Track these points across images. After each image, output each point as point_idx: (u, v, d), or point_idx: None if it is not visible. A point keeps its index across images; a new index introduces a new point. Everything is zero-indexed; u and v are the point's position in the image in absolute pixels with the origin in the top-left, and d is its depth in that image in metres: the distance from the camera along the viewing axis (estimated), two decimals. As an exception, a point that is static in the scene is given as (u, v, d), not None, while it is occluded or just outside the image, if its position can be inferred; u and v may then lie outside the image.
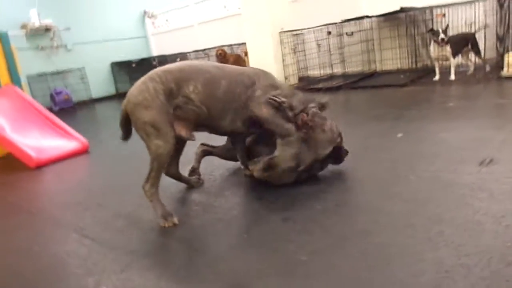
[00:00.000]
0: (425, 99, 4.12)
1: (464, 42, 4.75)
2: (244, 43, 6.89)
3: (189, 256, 1.67)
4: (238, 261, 1.57)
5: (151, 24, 10.22)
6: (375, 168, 2.28)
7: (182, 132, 2.05)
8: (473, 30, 4.87)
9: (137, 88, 2.00)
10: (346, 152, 2.32)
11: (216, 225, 1.91)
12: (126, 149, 3.87)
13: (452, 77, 4.72)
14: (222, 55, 7.22)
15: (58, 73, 8.58)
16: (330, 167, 2.34)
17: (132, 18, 10.05)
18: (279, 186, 2.20)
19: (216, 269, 1.53)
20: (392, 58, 5.99)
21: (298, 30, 6.27)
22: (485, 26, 4.82)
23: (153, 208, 2.01)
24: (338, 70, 6.33)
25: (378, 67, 6.34)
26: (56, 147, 3.94)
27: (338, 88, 5.45)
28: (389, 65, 6.14)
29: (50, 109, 5.27)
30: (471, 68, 4.91)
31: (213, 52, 7.59)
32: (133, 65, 9.23)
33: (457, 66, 4.84)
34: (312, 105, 2.24)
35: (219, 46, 7.48)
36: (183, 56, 8.22)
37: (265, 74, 2.26)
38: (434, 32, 4.75)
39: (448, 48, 4.69)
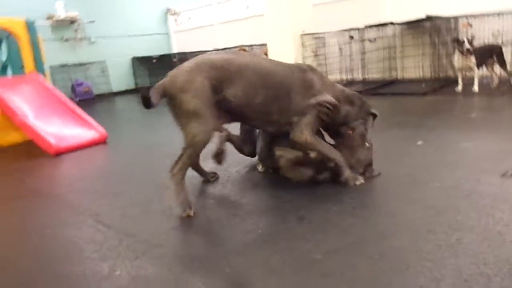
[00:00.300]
0: (447, 109, 4.06)
1: (489, 53, 4.66)
2: (264, 44, 6.89)
3: (203, 248, 1.67)
4: (252, 257, 1.56)
5: (173, 21, 10.31)
6: (395, 173, 2.24)
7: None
8: (499, 42, 4.78)
9: (185, 76, 1.97)
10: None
11: (231, 220, 1.91)
12: (143, 142, 3.94)
13: (476, 88, 4.63)
14: (243, 54, 7.22)
15: (80, 65, 8.71)
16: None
17: (155, 15, 10.15)
18: (295, 186, 2.19)
19: (231, 263, 1.52)
20: (414, 66, 5.92)
21: (320, 33, 6.24)
22: None
23: (175, 193, 1.99)
24: (358, 75, 6.28)
25: (399, 74, 6.27)
26: (75, 136, 3.99)
27: (357, 94, 5.39)
28: (411, 73, 6.06)
29: (71, 100, 5.36)
30: (496, 80, 4.81)
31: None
32: (154, 60, 9.31)
33: (481, 78, 4.75)
34: (359, 122, 2.24)
35: (239, 46, 7.48)
36: (202, 54, 8.25)
37: (305, 88, 2.15)
38: (458, 42, 4.67)
39: (472, 59, 4.60)
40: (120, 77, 9.46)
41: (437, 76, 5.39)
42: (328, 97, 2.14)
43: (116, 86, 9.25)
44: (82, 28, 8.77)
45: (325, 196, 2.04)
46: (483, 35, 5.04)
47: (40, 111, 4.16)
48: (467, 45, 4.52)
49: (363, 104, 2.28)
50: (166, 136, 3.84)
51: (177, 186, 1.99)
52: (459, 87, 4.79)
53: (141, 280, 1.46)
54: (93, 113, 4.95)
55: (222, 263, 1.52)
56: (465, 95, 4.60)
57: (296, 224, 1.79)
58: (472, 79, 4.70)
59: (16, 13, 4.85)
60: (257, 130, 2.51)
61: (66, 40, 8.62)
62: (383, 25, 5.79)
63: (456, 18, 5.37)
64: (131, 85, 9.73)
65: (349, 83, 6.17)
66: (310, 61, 6.17)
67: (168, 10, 10.23)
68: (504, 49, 4.67)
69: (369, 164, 2.23)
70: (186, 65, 2.04)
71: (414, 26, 5.78)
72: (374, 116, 2.31)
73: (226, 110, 2.06)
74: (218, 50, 8.24)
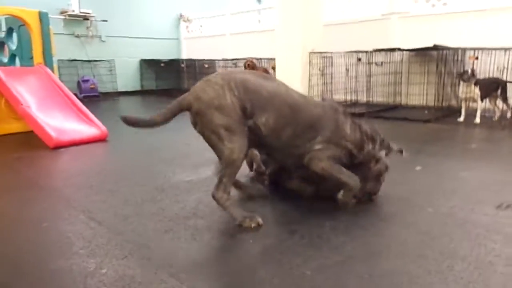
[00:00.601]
0: (448, 137, 4.08)
1: (494, 87, 4.70)
2: (272, 58, 6.94)
3: (192, 254, 1.66)
4: (241, 267, 1.55)
5: (185, 28, 10.42)
6: (391, 196, 2.24)
7: None
8: (504, 76, 4.81)
9: (213, 91, 1.88)
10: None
11: (223, 228, 1.91)
12: (143, 144, 3.94)
13: (477, 120, 4.66)
14: (251, 67, 7.26)
15: (88, 61, 8.77)
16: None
17: (167, 20, 10.26)
18: (290, 198, 2.19)
19: (218, 271, 1.52)
20: (418, 93, 5.96)
21: (328, 52, 6.29)
22: None
23: (230, 214, 1.93)
24: (362, 97, 6.31)
25: (403, 100, 6.30)
26: (76, 131, 4.00)
27: (360, 115, 5.42)
28: (415, 100, 6.10)
29: (76, 96, 5.38)
30: (497, 114, 4.84)
31: (241, 63, 7.67)
32: (162, 64, 9.39)
33: (483, 110, 4.78)
34: (383, 152, 2.21)
35: (248, 58, 7.54)
36: (211, 63, 8.33)
37: (337, 127, 2.08)
38: (462, 74, 4.74)
39: (477, 90, 4.65)
40: (127, 77, 9.52)
41: (441, 105, 5.42)
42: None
43: (122, 86, 9.30)
44: (94, 25, 8.86)
45: (319, 211, 2.03)
46: (488, 68, 5.08)
47: (44, 103, 4.18)
48: (469, 72, 4.60)
49: (382, 141, 2.22)
50: (167, 141, 3.86)
51: (228, 207, 1.93)
52: (461, 118, 4.83)
53: (127, 280, 1.45)
54: (97, 111, 4.97)
55: (209, 271, 1.51)
56: (466, 125, 4.63)
57: (288, 238, 1.78)
58: (475, 111, 4.73)
59: (29, 6, 4.89)
60: None
61: (77, 36, 8.70)
62: (391, 50, 5.85)
63: (463, 50, 5.42)
64: (137, 87, 9.79)
65: (353, 104, 6.20)
66: (316, 79, 6.22)
67: (181, 16, 10.34)
68: (508, 84, 4.72)
69: (372, 193, 2.21)
70: (215, 80, 1.93)
71: (421, 54, 5.83)
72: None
73: (255, 137, 1.97)
74: (227, 60, 8.34)
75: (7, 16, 5.09)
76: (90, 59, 8.79)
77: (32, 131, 3.93)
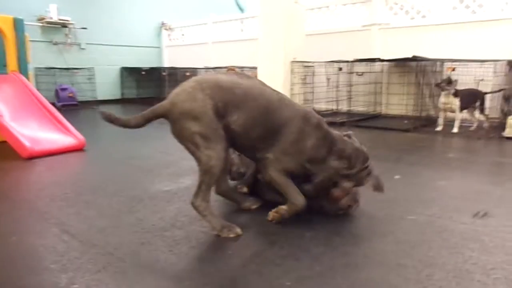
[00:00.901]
0: (426, 147, 4.13)
1: (473, 98, 4.80)
2: (255, 67, 6.96)
3: (168, 265, 1.61)
4: (220, 278, 1.52)
5: (166, 36, 10.37)
6: (370, 205, 2.24)
7: None
8: (480, 88, 4.92)
9: (186, 94, 1.87)
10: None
11: (201, 239, 1.86)
12: (121, 153, 3.87)
13: (455, 130, 4.75)
14: (232, 75, 7.25)
15: (67, 69, 8.62)
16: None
17: (149, 28, 10.20)
18: (269, 209, 2.15)
19: (196, 283, 1.47)
20: (398, 103, 6.05)
21: (310, 62, 6.34)
22: (500, 90, 4.87)
23: (208, 222, 1.90)
24: (343, 107, 6.37)
25: (384, 110, 6.39)
26: (52, 140, 3.90)
27: (341, 124, 5.47)
28: (394, 110, 6.19)
29: (53, 104, 5.25)
30: (475, 125, 4.94)
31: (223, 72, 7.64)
32: (143, 72, 9.30)
33: (461, 121, 4.87)
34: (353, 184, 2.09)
35: (229, 66, 7.53)
36: (193, 71, 8.29)
37: (302, 137, 1.98)
38: (440, 83, 4.84)
39: (457, 101, 4.74)
40: (106, 85, 9.40)
41: (420, 114, 5.50)
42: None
43: (102, 95, 9.16)
44: (73, 33, 8.72)
45: (299, 221, 2.01)
46: (465, 80, 5.19)
47: (18, 112, 4.07)
48: (446, 81, 4.71)
49: (363, 168, 2.11)
50: (146, 150, 3.80)
51: (206, 215, 1.89)
52: (439, 127, 4.92)
53: (100, 294, 1.40)
54: (74, 120, 4.87)
55: (186, 284, 1.47)
56: (444, 135, 4.70)
57: (267, 248, 1.76)
58: (452, 120, 4.82)
59: (6, 12, 4.79)
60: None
61: (55, 43, 8.54)
62: (371, 60, 5.93)
63: (441, 61, 5.54)
64: (117, 95, 9.67)
65: (334, 113, 6.25)
66: (298, 88, 6.25)
67: (162, 25, 10.30)
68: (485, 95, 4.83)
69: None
70: (188, 84, 1.92)
71: (400, 64, 5.94)
72: (377, 189, 2.11)
73: (226, 135, 1.94)
74: (209, 68, 8.32)
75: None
76: (69, 67, 8.64)
77: (5, 141, 3.81)
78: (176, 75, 8.73)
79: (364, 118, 5.94)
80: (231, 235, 1.86)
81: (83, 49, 8.98)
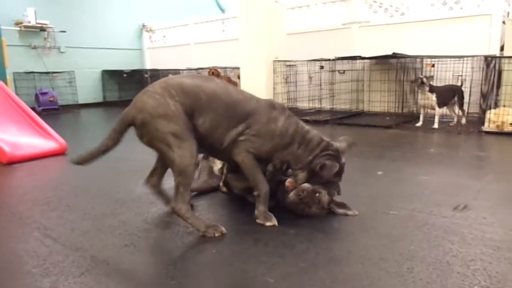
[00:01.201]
0: (408, 143, 4.19)
1: (451, 94, 4.89)
2: (237, 68, 6.97)
3: (153, 268, 1.61)
4: (204, 278, 1.52)
5: (148, 38, 10.29)
6: (353, 201, 2.25)
7: None
8: (459, 83, 5.02)
9: (155, 100, 1.85)
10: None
11: (185, 239, 1.86)
12: (105, 155, 3.82)
13: (436, 125, 4.83)
14: (216, 74, 7.25)
15: (46, 73, 8.48)
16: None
17: (129, 30, 10.10)
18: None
19: (181, 283, 1.47)
20: (379, 100, 6.13)
21: (292, 61, 6.38)
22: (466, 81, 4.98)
23: (191, 225, 1.89)
24: (326, 105, 6.42)
25: (366, 107, 6.46)
26: (32, 145, 3.84)
27: (325, 122, 5.51)
28: (376, 107, 6.27)
29: (33, 109, 5.17)
30: (455, 120, 5.04)
31: (206, 72, 7.64)
32: (124, 75, 9.22)
33: (440, 116, 4.97)
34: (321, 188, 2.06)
35: (212, 67, 7.53)
36: (175, 72, 8.24)
37: (268, 122, 2.02)
38: (414, 81, 4.93)
39: (433, 98, 4.83)
40: (88, 89, 9.28)
41: (401, 111, 5.59)
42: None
43: (83, 98, 9.05)
44: (52, 36, 8.60)
45: (283, 218, 2.02)
46: (445, 76, 5.29)
47: (-3, 117, 3.99)
48: (422, 78, 4.80)
49: (321, 151, 2.05)
50: (129, 152, 3.74)
51: (188, 217, 1.88)
52: (420, 123, 5.01)
53: (84, 298, 1.39)
54: (56, 124, 4.81)
55: (170, 284, 1.47)
56: (425, 130, 4.79)
57: (252, 246, 1.76)
58: (433, 116, 4.91)
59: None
60: None
61: (34, 47, 8.40)
62: (352, 58, 5.99)
63: (421, 58, 5.63)
64: (99, 98, 9.56)
65: (317, 111, 6.30)
66: (280, 87, 6.28)
67: (143, 27, 10.22)
68: (464, 90, 4.92)
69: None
70: (154, 89, 1.90)
71: (381, 62, 6.01)
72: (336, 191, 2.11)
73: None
74: (191, 69, 8.30)
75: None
76: (49, 70, 8.51)
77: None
78: (159, 77, 8.64)
79: (347, 116, 6.00)
80: (217, 234, 1.86)
81: (62, 52, 8.85)
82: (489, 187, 2.58)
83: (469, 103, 4.95)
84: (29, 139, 3.95)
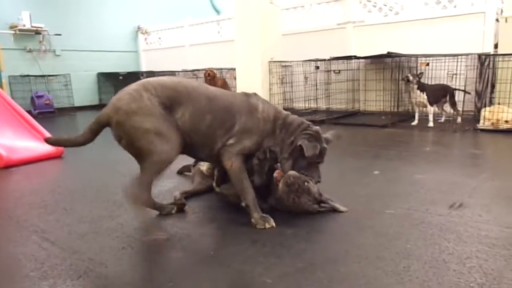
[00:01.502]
0: (403, 142, 4.21)
1: (442, 93, 4.93)
2: (233, 69, 6.97)
3: (150, 270, 1.62)
4: (201, 279, 1.52)
5: (143, 40, 10.29)
6: (350, 201, 2.27)
7: None
8: (454, 82, 5.04)
9: (129, 96, 1.82)
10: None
11: (183, 241, 1.87)
12: (100, 158, 3.83)
13: (431, 124, 4.86)
14: (212, 76, 7.24)
15: (42, 76, 8.47)
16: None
17: (125, 32, 10.10)
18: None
19: (178, 285, 1.48)
20: (375, 99, 6.14)
21: (287, 61, 6.39)
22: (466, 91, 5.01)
23: (138, 218, 1.88)
24: (322, 105, 6.44)
25: (362, 107, 6.48)
26: (29, 149, 3.83)
27: (321, 122, 5.52)
28: (372, 106, 6.29)
29: (29, 112, 5.16)
30: (443, 118, 5.13)
31: (202, 74, 7.65)
32: (120, 77, 9.21)
33: (436, 114, 5.00)
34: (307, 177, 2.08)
35: (208, 68, 7.52)
36: (171, 74, 8.25)
37: (250, 112, 2.06)
38: (404, 78, 4.97)
39: (424, 96, 4.87)
40: (83, 91, 9.27)
41: (397, 110, 5.61)
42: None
43: (79, 101, 9.04)
44: (47, 40, 8.58)
45: (280, 219, 2.03)
46: (439, 75, 5.32)
47: (-8, 121, 3.98)
48: (409, 76, 4.87)
49: (303, 131, 2.09)
50: (124, 154, 3.75)
51: (139, 210, 1.85)
52: (415, 122, 5.04)
53: (82, 300, 1.39)
54: (52, 127, 4.80)
55: (168, 285, 1.47)
56: (420, 129, 4.81)
57: (249, 247, 1.77)
58: (427, 115, 4.93)
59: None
60: None
61: (29, 50, 8.39)
62: (347, 58, 6.01)
63: (416, 57, 5.65)
64: (95, 101, 9.54)
65: (314, 111, 6.31)
66: (276, 88, 6.29)
67: (138, 29, 10.21)
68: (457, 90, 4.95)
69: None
70: (129, 88, 1.89)
71: (376, 61, 6.03)
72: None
73: None
74: (187, 71, 8.30)
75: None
76: (44, 74, 8.49)
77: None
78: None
79: (343, 116, 6.02)
80: (163, 236, 1.85)
81: (58, 55, 8.84)
82: (485, 185, 2.59)
83: (463, 101, 4.98)
84: (25, 142, 3.94)
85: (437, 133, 4.56)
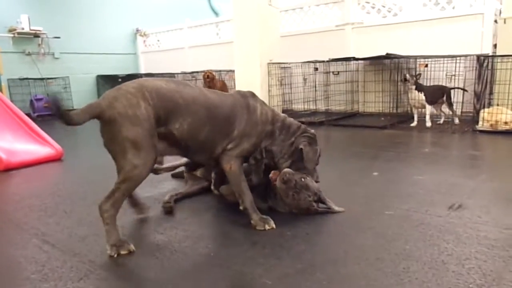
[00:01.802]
0: (402, 143, 4.22)
1: (439, 93, 4.94)
2: (232, 70, 6.98)
3: (151, 271, 1.62)
4: (202, 281, 1.53)
5: (142, 42, 10.30)
6: (349, 202, 2.28)
7: None
8: (453, 83, 5.05)
9: (126, 100, 1.76)
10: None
11: (183, 242, 1.87)
12: (100, 161, 3.80)
13: (428, 124, 4.88)
14: (211, 78, 7.24)
15: (41, 79, 8.47)
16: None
17: (123, 35, 10.11)
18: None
19: (179, 286, 1.48)
20: (374, 101, 6.15)
21: (286, 63, 6.40)
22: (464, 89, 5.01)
23: (106, 233, 1.78)
24: (321, 106, 6.45)
25: (361, 108, 6.49)
26: (28, 152, 3.84)
27: (320, 124, 5.54)
28: (371, 108, 6.30)
29: (28, 115, 5.16)
30: (442, 119, 5.15)
31: (201, 76, 7.65)
32: (119, 79, 9.19)
33: (434, 115, 5.01)
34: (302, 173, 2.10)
35: (207, 70, 7.52)
36: (170, 76, 8.26)
37: (249, 115, 2.07)
38: (405, 80, 4.98)
39: (422, 96, 4.88)
40: (82, 94, 9.27)
41: (396, 111, 5.62)
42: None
43: (78, 103, 8.97)
44: (46, 42, 8.60)
45: (280, 220, 2.03)
46: (438, 75, 5.33)
47: (-8, 124, 3.99)
48: (407, 76, 4.89)
49: (301, 133, 2.17)
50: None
51: (108, 225, 1.77)
52: (414, 123, 5.05)
53: (83, 303, 1.39)
54: (51, 129, 4.80)
55: (168, 287, 1.48)
56: (419, 130, 4.82)
57: (249, 248, 1.78)
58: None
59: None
60: None
61: (28, 53, 8.40)
62: (346, 59, 6.02)
63: (415, 58, 5.67)
64: (94, 103, 9.53)
65: (313, 113, 6.32)
66: (275, 90, 6.30)
67: (137, 31, 10.23)
68: (456, 90, 4.95)
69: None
70: (126, 89, 1.81)
71: (375, 62, 6.04)
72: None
73: (168, 142, 1.93)
74: (186, 73, 8.31)
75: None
76: (43, 76, 8.49)
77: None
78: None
79: (342, 117, 6.03)
80: (122, 252, 1.75)
81: (57, 58, 8.85)
82: (484, 186, 2.60)
83: (462, 102, 4.99)
84: (25, 145, 3.95)
85: (436, 134, 4.57)
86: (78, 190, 2.87)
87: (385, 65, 5.91)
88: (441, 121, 5.13)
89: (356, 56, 5.95)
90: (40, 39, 8.49)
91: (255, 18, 6.03)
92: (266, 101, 6.15)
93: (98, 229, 2.07)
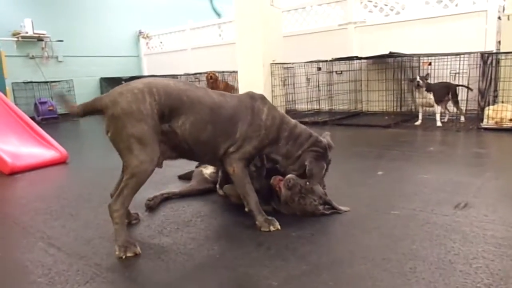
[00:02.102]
0: (407, 142, 4.21)
1: (445, 91, 4.92)
2: (235, 71, 6.99)
3: (157, 274, 1.62)
4: (208, 283, 1.53)
5: (145, 44, 10.33)
6: (355, 202, 2.28)
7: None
8: (457, 81, 5.03)
9: (132, 95, 1.78)
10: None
11: (189, 244, 1.87)
12: (104, 163, 3.84)
13: (439, 123, 4.84)
14: (214, 79, 7.25)
15: (45, 83, 8.51)
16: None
17: (126, 37, 10.15)
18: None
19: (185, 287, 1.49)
20: (378, 100, 6.14)
21: (289, 63, 6.40)
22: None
23: (115, 232, 1.79)
24: (325, 106, 6.44)
25: (364, 107, 6.48)
26: (33, 155, 3.85)
27: (323, 123, 5.53)
28: (375, 107, 6.28)
29: (33, 119, 5.18)
30: (447, 117, 5.12)
31: (204, 77, 7.67)
32: (123, 82, 9.19)
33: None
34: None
35: (210, 71, 7.53)
36: (173, 77, 8.27)
37: (253, 117, 2.04)
38: (413, 80, 4.95)
39: (431, 96, 4.86)
40: (86, 97, 9.17)
41: (400, 110, 5.60)
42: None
43: (82, 106, 9.07)
44: (49, 46, 8.65)
45: (285, 221, 2.03)
46: (442, 73, 5.31)
47: (-3, 128, 4.00)
48: (418, 79, 4.82)
49: (310, 146, 2.09)
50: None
51: (117, 225, 1.78)
52: (419, 122, 5.03)
53: (89, 306, 1.40)
54: (56, 133, 4.83)
55: (175, 289, 1.48)
56: (424, 129, 4.80)
57: (255, 250, 1.77)
58: (431, 114, 4.92)
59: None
60: None
61: (32, 57, 8.46)
62: (349, 58, 6.01)
63: (418, 56, 5.65)
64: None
65: (316, 113, 6.31)
66: (278, 90, 6.30)
67: (140, 33, 10.26)
68: (460, 88, 4.93)
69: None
70: (134, 85, 1.84)
71: (378, 61, 6.03)
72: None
73: (171, 142, 1.93)
74: (189, 74, 8.32)
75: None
76: (47, 80, 8.54)
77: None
78: (157, 83, 8.68)
79: (346, 116, 6.02)
80: (124, 256, 1.75)
81: (60, 61, 8.90)
82: (489, 184, 2.59)
83: (467, 100, 4.97)
84: (30, 149, 3.96)
85: (441, 133, 4.55)
86: (83, 193, 2.88)
87: (389, 63, 5.90)
88: (446, 119, 5.10)
89: (359, 55, 5.95)
90: (43, 42, 8.53)
91: (257, 19, 6.04)
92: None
93: (104, 231, 2.09)
